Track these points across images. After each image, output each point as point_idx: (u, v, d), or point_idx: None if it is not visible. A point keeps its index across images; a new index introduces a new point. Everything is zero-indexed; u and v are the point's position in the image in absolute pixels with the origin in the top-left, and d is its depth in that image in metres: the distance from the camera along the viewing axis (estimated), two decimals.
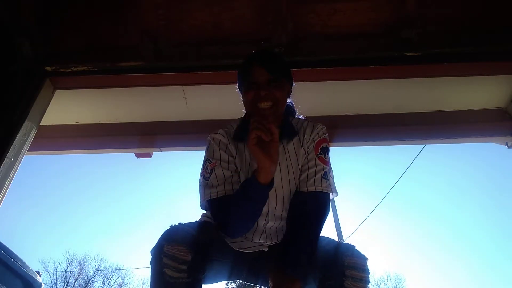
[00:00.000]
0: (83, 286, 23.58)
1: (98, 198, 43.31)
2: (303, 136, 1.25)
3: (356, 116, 2.20)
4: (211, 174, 1.16)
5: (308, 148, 1.24)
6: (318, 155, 1.22)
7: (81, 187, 45.45)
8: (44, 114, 1.83)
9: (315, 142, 1.23)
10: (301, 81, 1.76)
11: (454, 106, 2.17)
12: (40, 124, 1.82)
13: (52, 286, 22.74)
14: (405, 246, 44.02)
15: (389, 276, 26.36)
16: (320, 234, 1.15)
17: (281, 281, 1.01)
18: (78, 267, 24.34)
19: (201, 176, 1.21)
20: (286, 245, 1.11)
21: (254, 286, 1.27)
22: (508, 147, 2.17)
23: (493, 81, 2.02)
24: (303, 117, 1.42)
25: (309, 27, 1.81)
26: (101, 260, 27.28)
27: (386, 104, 2.17)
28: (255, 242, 1.19)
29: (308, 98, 2.00)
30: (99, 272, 24.64)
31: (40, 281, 3.27)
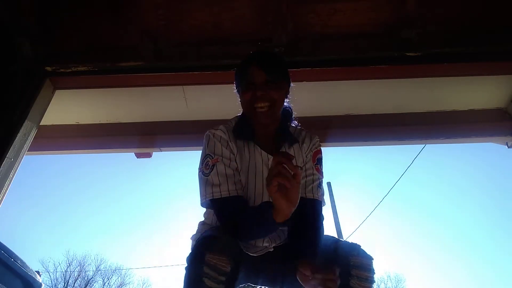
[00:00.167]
0: (83, 286, 23.61)
1: (98, 198, 43.46)
2: (302, 144, 1.28)
3: (356, 116, 2.20)
4: (212, 170, 1.13)
5: (306, 157, 1.27)
6: (315, 165, 1.26)
7: (81, 187, 45.58)
8: (44, 114, 1.83)
9: (313, 152, 1.28)
10: (301, 81, 1.77)
11: (454, 106, 2.17)
12: (40, 124, 1.82)
13: (52, 286, 22.80)
14: (405, 246, 44.11)
15: (389, 276, 26.40)
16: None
17: (311, 265, 0.96)
18: (78, 267, 24.42)
19: (200, 172, 1.18)
20: (294, 242, 1.13)
21: (254, 286, 1.25)
22: (508, 147, 2.17)
23: (493, 81, 2.02)
24: (296, 122, 1.42)
25: (309, 27, 1.81)
26: (101, 260, 27.31)
27: (386, 104, 2.17)
28: (260, 246, 1.19)
29: (308, 98, 2.01)
30: (99, 272, 24.70)
31: (40, 281, 3.26)
